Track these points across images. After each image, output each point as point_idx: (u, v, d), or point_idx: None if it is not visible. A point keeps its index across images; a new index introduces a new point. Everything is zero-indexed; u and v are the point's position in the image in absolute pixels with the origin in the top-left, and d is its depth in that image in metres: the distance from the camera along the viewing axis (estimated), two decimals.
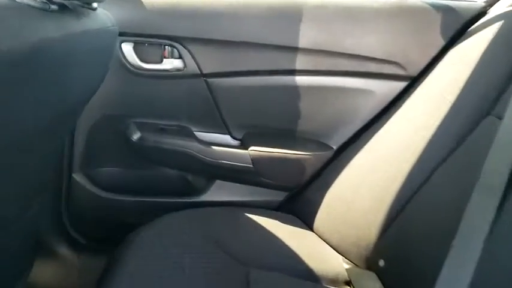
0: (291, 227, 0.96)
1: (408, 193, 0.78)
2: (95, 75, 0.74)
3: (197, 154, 0.99)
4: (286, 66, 0.96)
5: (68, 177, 1.03)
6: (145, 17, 0.95)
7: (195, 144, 1.00)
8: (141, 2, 0.94)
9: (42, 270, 1.06)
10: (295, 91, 0.97)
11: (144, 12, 0.95)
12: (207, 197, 1.06)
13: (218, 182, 1.06)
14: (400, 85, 0.95)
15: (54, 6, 0.51)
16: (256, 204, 1.03)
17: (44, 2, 0.49)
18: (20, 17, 0.45)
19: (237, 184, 1.05)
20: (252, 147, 0.99)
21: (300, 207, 1.03)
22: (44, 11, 0.49)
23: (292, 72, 0.97)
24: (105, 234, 1.09)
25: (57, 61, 0.52)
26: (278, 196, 1.06)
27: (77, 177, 1.03)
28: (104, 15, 0.71)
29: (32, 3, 0.48)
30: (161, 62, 0.96)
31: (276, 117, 1.01)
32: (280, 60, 0.96)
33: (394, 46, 0.93)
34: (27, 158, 0.63)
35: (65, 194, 1.05)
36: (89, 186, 1.04)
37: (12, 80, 0.44)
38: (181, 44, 0.95)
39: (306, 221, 0.99)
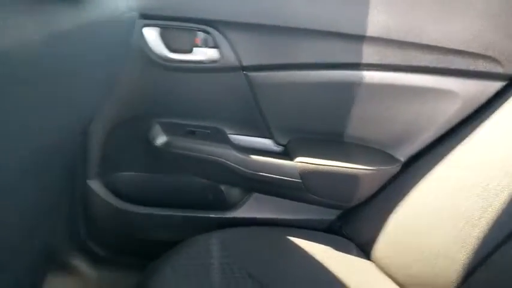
0: (344, 254, 0.81)
1: (506, 227, 0.61)
2: (107, 74, 0.59)
3: (233, 165, 0.83)
4: (347, 58, 0.77)
5: (83, 184, 0.89)
6: None
7: (231, 152, 0.84)
8: None
9: (58, 284, 0.95)
10: (356, 89, 0.78)
11: None
12: (242, 212, 0.90)
13: (256, 195, 0.90)
14: (494, 86, 0.74)
15: None
16: (301, 224, 0.88)
17: None
18: None
19: (279, 198, 0.89)
20: (299, 158, 0.82)
21: (355, 230, 0.86)
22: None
23: (354, 66, 0.77)
24: (127, 248, 0.98)
25: (45, 70, 0.36)
26: (328, 214, 0.89)
27: (93, 184, 0.90)
28: None
29: None
30: (191, 51, 0.78)
31: (330, 120, 0.83)
32: (339, 52, 0.77)
33: (490, 35, 0.72)
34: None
35: (81, 202, 0.92)
36: (106, 194, 0.91)
37: None
38: (218, 30, 0.76)
39: (362, 247, 0.83)
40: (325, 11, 0.75)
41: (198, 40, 0.78)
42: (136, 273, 0.96)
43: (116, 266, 0.98)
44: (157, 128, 0.85)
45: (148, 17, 0.75)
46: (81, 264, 0.97)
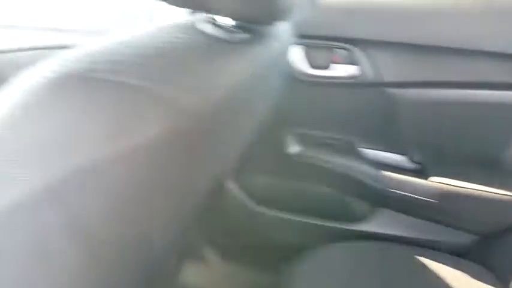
0: (481, 283, 0.76)
1: None
2: (271, 97, 0.63)
3: (365, 179, 0.84)
4: (499, 78, 0.72)
5: (220, 184, 0.98)
6: (317, 15, 0.80)
7: (362, 166, 0.84)
8: None
9: (191, 274, 1.05)
10: (507, 110, 0.73)
11: (314, 10, 0.80)
12: (370, 226, 0.90)
13: (385, 210, 0.89)
14: None
15: (243, 35, 0.38)
16: (433, 245, 0.84)
17: (231, 30, 0.37)
18: (209, 57, 0.33)
19: (409, 216, 0.87)
20: (437, 178, 0.79)
21: (493, 258, 0.80)
22: (229, 43, 0.37)
23: (506, 86, 0.72)
24: (255, 246, 1.03)
25: (248, 101, 0.41)
26: (463, 238, 0.85)
27: (229, 185, 0.97)
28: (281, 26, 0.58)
29: (219, 33, 0.35)
30: (328, 67, 0.81)
31: (474, 141, 0.79)
32: (490, 71, 0.73)
33: None
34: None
35: (215, 199, 1.01)
36: (240, 195, 0.98)
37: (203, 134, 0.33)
38: (359, 48, 0.78)
39: (500, 277, 0.77)
40: (472, 29, 0.72)
41: (337, 57, 0.80)
42: (261, 270, 1.03)
43: (242, 262, 1.05)
44: (291, 138, 0.90)
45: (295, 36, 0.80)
46: (213, 257, 1.06)
